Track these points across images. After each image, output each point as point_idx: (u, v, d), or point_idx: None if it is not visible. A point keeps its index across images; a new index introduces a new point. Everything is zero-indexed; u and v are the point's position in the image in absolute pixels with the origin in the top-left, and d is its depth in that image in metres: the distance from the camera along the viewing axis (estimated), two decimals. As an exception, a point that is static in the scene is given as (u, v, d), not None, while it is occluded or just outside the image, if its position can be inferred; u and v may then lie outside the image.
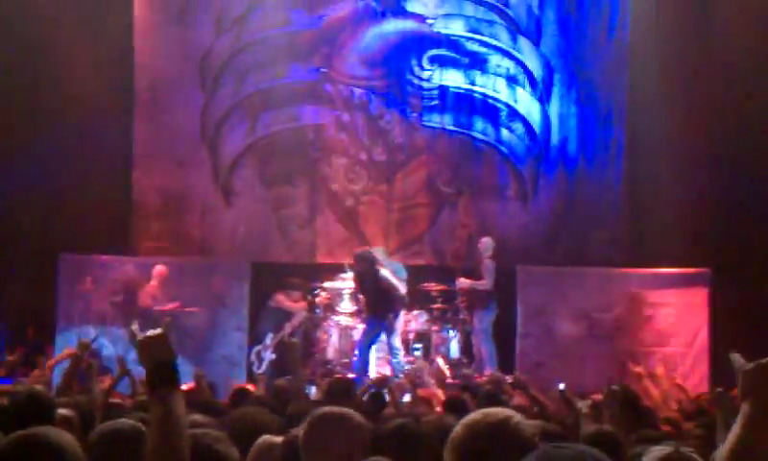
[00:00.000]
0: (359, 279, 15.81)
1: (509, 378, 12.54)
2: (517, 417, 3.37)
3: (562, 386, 10.80)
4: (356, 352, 15.76)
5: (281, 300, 16.48)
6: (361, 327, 16.11)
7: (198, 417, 5.68)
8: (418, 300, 16.68)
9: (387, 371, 15.35)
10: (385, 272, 15.48)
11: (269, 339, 16.19)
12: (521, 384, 11.20)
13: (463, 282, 16.35)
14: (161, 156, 18.17)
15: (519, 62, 18.31)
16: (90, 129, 17.05)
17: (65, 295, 16.03)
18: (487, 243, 16.51)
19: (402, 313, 15.81)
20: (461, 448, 3.25)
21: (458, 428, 3.31)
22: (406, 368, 15.65)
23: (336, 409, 4.57)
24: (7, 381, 12.05)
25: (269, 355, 16.12)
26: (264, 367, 16.01)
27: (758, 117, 16.55)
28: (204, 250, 17.69)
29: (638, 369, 11.96)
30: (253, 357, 16.08)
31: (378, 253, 16.09)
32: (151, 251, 17.45)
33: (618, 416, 7.09)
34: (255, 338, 16.27)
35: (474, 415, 3.39)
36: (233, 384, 12.67)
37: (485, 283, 16.15)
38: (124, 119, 17.91)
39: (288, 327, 16.22)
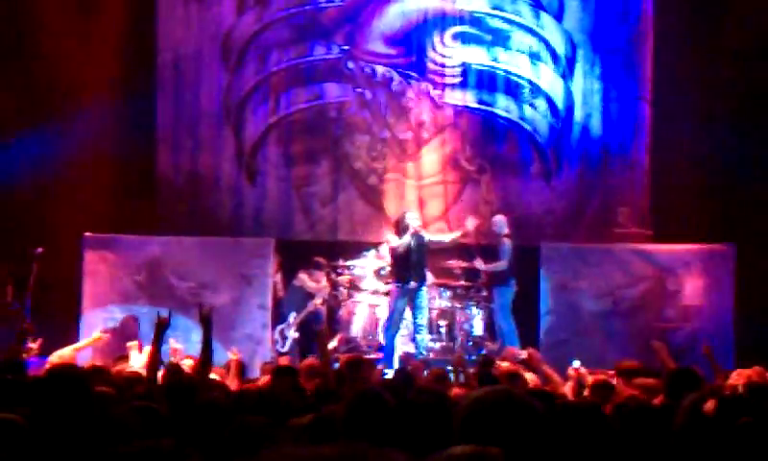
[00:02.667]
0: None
1: (523, 354, 12.56)
2: (520, 392, 3.40)
3: (576, 363, 10.82)
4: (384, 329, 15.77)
5: (303, 279, 16.51)
6: (384, 303, 16.15)
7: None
8: (441, 277, 16.69)
9: (411, 349, 15.38)
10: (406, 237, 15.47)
11: (292, 318, 16.22)
12: (534, 361, 11.22)
13: (480, 265, 16.34)
14: (185, 135, 18.22)
15: (542, 39, 18.25)
16: (114, 108, 17.11)
17: (89, 274, 16.08)
18: (500, 220, 16.47)
19: (425, 289, 15.80)
20: (466, 420, 3.27)
21: (464, 402, 3.33)
22: (429, 346, 15.71)
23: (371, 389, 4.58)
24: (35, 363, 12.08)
25: (292, 334, 16.16)
26: (288, 346, 16.05)
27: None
28: (227, 229, 17.71)
29: (658, 344, 11.95)
30: (277, 336, 16.12)
31: (413, 218, 15.97)
32: (175, 229, 17.49)
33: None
34: (279, 316, 16.32)
35: (481, 389, 3.42)
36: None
37: (501, 264, 16.13)
38: (147, 99, 17.95)
39: (311, 306, 16.25)
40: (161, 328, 8.41)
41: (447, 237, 16.48)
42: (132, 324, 15.26)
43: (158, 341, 8.44)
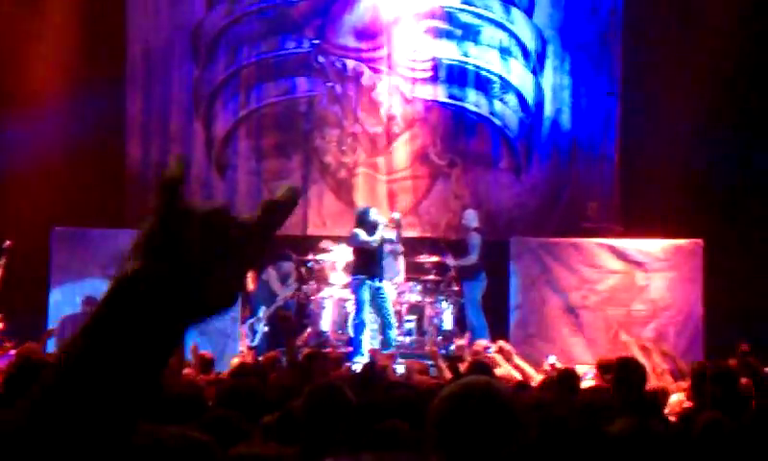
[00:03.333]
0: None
1: (492, 348, 12.59)
2: (498, 383, 3.41)
3: (552, 358, 10.85)
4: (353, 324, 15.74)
5: (271, 274, 16.51)
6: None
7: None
8: (411, 272, 16.71)
9: (376, 344, 15.36)
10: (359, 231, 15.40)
11: (261, 312, 16.21)
12: (505, 354, 11.26)
13: (450, 260, 16.38)
14: (154, 128, 18.17)
15: (512, 34, 18.30)
16: (83, 101, 17.03)
17: (58, 268, 16.01)
18: (470, 214, 16.54)
19: (388, 284, 15.75)
20: (439, 417, 3.27)
21: (437, 399, 3.33)
22: (398, 341, 15.70)
23: (329, 383, 4.60)
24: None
25: (262, 328, 16.15)
26: (257, 339, 16.04)
27: (753, 87, 16.58)
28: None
29: (628, 338, 11.99)
30: (247, 330, 16.10)
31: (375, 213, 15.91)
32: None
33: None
34: (250, 311, 16.30)
35: (454, 385, 3.42)
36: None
37: (470, 259, 16.17)
38: (117, 92, 17.89)
39: (280, 300, 16.25)
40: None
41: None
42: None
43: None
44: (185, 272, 1.32)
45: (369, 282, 15.19)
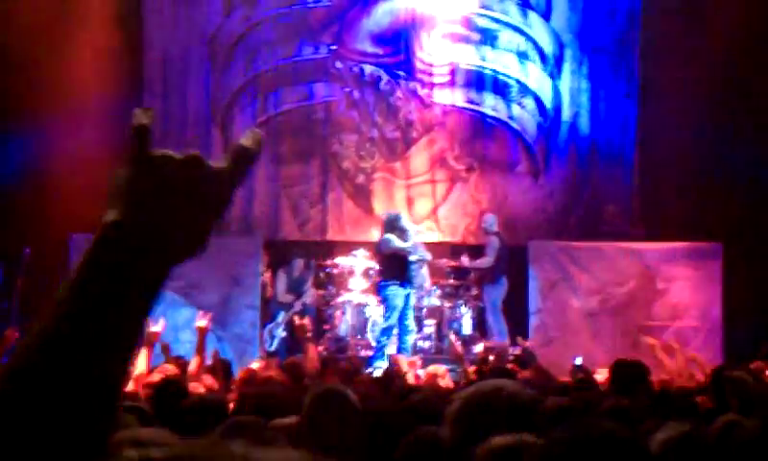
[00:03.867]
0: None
1: (516, 350, 12.57)
2: (511, 386, 3.40)
3: (579, 360, 10.81)
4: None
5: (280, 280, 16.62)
6: (373, 303, 16.12)
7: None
8: (430, 276, 16.69)
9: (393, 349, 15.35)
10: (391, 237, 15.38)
11: (281, 317, 16.22)
12: (529, 356, 11.24)
13: (465, 261, 16.37)
14: (172, 136, 18.17)
15: (530, 38, 18.27)
16: (101, 111, 17.05)
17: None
18: (489, 219, 16.54)
19: (413, 291, 15.75)
20: (456, 420, 3.28)
21: (454, 402, 3.34)
22: (417, 346, 15.69)
23: (336, 388, 4.59)
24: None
25: (280, 333, 16.16)
26: (275, 345, 16.05)
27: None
28: (216, 229, 17.61)
29: (652, 341, 11.94)
30: (266, 335, 16.12)
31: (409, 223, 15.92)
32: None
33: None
34: (269, 316, 16.33)
35: (469, 388, 3.43)
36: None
37: (487, 261, 16.16)
38: (135, 99, 17.91)
39: (298, 305, 16.26)
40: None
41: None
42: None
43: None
44: (161, 218, 1.36)
45: (401, 289, 15.17)
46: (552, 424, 3.34)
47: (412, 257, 15.19)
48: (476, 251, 16.58)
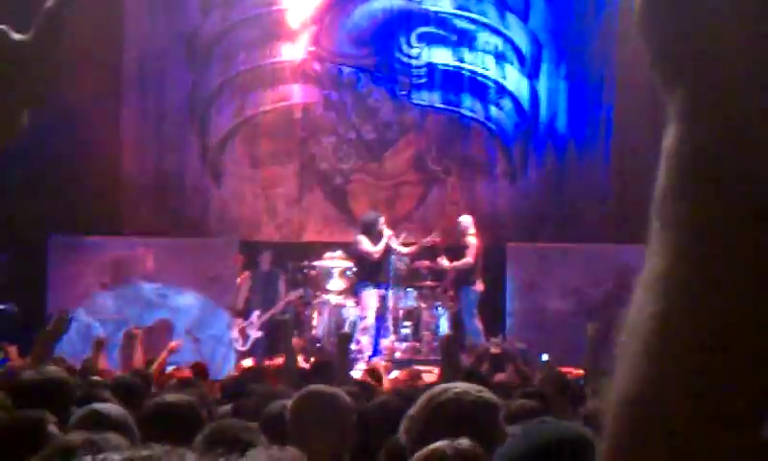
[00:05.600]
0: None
1: (494, 348, 12.58)
2: (460, 388, 3.42)
3: (545, 357, 10.84)
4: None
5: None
6: (351, 304, 16.13)
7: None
8: (407, 277, 16.70)
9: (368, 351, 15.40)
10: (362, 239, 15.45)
11: (255, 317, 16.17)
12: (507, 356, 11.24)
13: (444, 263, 16.36)
14: (150, 137, 18.16)
15: (508, 39, 18.29)
16: (80, 111, 16.99)
17: (55, 277, 16.01)
18: (466, 221, 16.51)
19: (390, 292, 15.83)
20: (410, 424, 3.32)
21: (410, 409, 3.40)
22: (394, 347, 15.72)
23: (324, 388, 4.58)
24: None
25: (255, 333, 16.09)
26: (249, 344, 15.99)
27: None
28: (192, 229, 17.66)
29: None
30: (236, 334, 16.03)
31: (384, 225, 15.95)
32: (140, 231, 17.45)
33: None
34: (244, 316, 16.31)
35: (423, 394, 3.48)
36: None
37: (467, 262, 16.17)
38: (113, 101, 17.87)
39: (279, 306, 16.23)
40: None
41: (405, 250, 16.35)
42: (165, 326, 15.26)
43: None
44: None
45: (376, 290, 15.26)
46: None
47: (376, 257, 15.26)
48: (452, 252, 16.57)
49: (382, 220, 15.74)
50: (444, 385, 3.61)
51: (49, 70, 1.38)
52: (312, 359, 12.46)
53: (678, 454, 0.99)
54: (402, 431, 3.39)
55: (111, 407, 4.74)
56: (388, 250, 15.59)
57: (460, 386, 3.54)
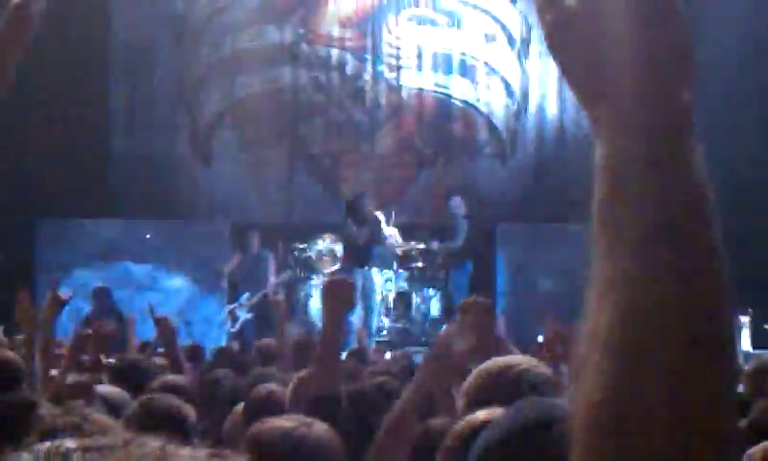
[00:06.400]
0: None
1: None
2: (523, 364, 3.40)
3: (540, 339, 10.80)
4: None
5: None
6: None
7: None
8: (397, 259, 16.68)
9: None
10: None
11: (245, 298, 16.11)
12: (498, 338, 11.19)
13: (434, 245, 16.35)
14: (139, 119, 18.11)
15: (497, 20, 18.26)
16: (68, 95, 16.94)
17: (44, 261, 15.97)
18: (456, 202, 16.49)
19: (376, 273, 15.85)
20: (468, 395, 3.29)
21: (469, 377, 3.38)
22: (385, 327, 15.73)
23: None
24: None
25: (245, 315, 16.04)
26: (238, 326, 15.93)
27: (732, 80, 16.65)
28: (182, 211, 17.63)
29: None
30: (227, 315, 15.99)
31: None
32: (129, 213, 17.42)
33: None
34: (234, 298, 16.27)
35: (486, 363, 3.45)
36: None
37: (456, 243, 16.16)
38: (102, 84, 17.82)
39: (270, 287, 16.19)
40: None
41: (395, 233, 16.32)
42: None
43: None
44: None
45: (359, 269, 15.26)
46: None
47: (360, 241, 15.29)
48: (442, 233, 16.55)
49: (364, 198, 15.76)
50: (507, 358, 3.59)
51: (16, 60, 1.37)
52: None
53: (647, 454, 1.00)
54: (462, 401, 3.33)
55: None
56: (375, 232, 15.58)
57: (520, 361, 3.52)
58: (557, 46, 1.21)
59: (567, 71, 1.21)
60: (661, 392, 1.01)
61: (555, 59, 1.21)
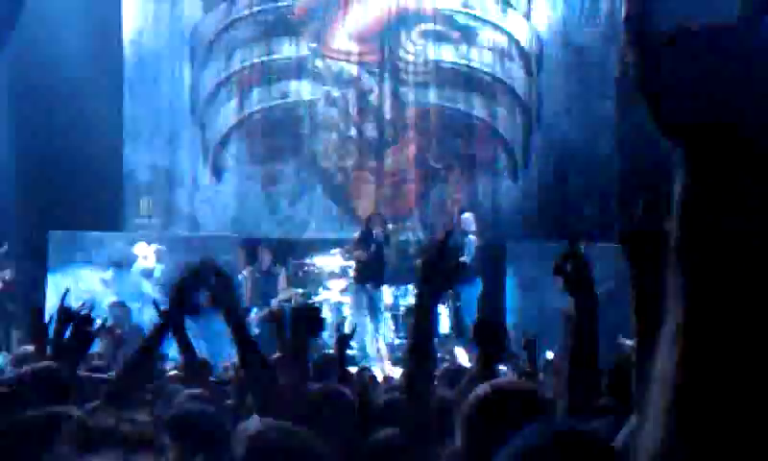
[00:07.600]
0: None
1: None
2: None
3: (549, 355, 10.77)
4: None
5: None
6: (351, 303, 16.12)
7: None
8: (407, 275, 16.66)
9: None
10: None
11: (254, 313, 16.12)
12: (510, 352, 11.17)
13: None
14: (151, 132, 18.13)
15: (510, 36, 18.25)
16: (81, 106, 16.98)
17: (55, 272, 15.98)
18: (468, 219, 16.47)
19: (390, 290, 15.86)
20: (482, 409, 3.29)
21: (485, 390, 3.36)
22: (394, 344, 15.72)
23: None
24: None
25: (254, 330, 16.04)
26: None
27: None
28: (193, 226, 17.66)
29: (627, 342, 11.93)
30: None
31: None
32: (140, 227, 17.45)
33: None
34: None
35: (501, 380, 3.47)
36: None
37: (464, 260, 16.13)
38: (114, 96, 17.85)
39: (274, 304, 16.19)
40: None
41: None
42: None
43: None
44: None
45: (366, 286, 15.27)
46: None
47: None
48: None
49: (376, 221, 15.83)
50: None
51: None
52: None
53: None
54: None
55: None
56: (380, 248, 15.59)
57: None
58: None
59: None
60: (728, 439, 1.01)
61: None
